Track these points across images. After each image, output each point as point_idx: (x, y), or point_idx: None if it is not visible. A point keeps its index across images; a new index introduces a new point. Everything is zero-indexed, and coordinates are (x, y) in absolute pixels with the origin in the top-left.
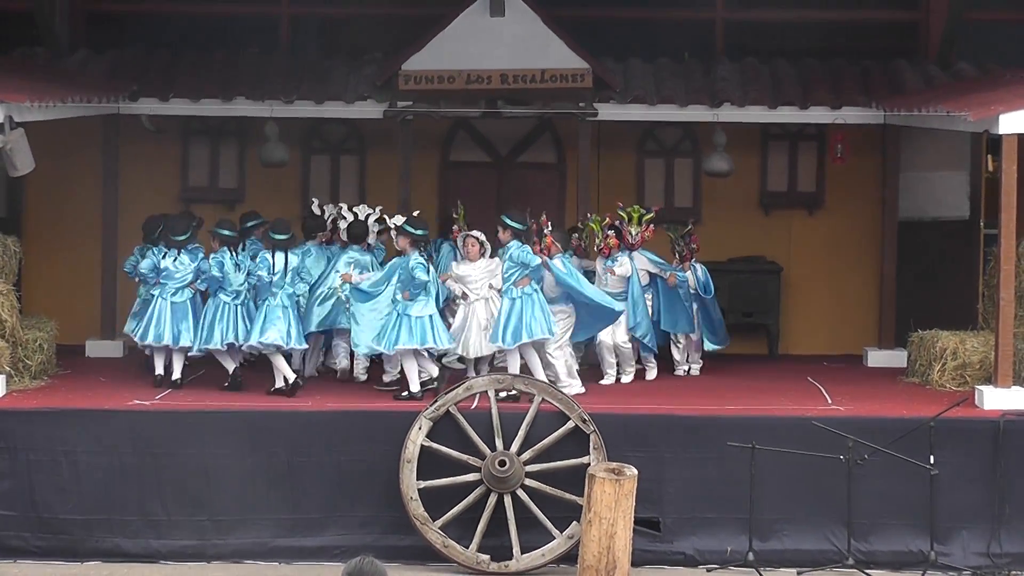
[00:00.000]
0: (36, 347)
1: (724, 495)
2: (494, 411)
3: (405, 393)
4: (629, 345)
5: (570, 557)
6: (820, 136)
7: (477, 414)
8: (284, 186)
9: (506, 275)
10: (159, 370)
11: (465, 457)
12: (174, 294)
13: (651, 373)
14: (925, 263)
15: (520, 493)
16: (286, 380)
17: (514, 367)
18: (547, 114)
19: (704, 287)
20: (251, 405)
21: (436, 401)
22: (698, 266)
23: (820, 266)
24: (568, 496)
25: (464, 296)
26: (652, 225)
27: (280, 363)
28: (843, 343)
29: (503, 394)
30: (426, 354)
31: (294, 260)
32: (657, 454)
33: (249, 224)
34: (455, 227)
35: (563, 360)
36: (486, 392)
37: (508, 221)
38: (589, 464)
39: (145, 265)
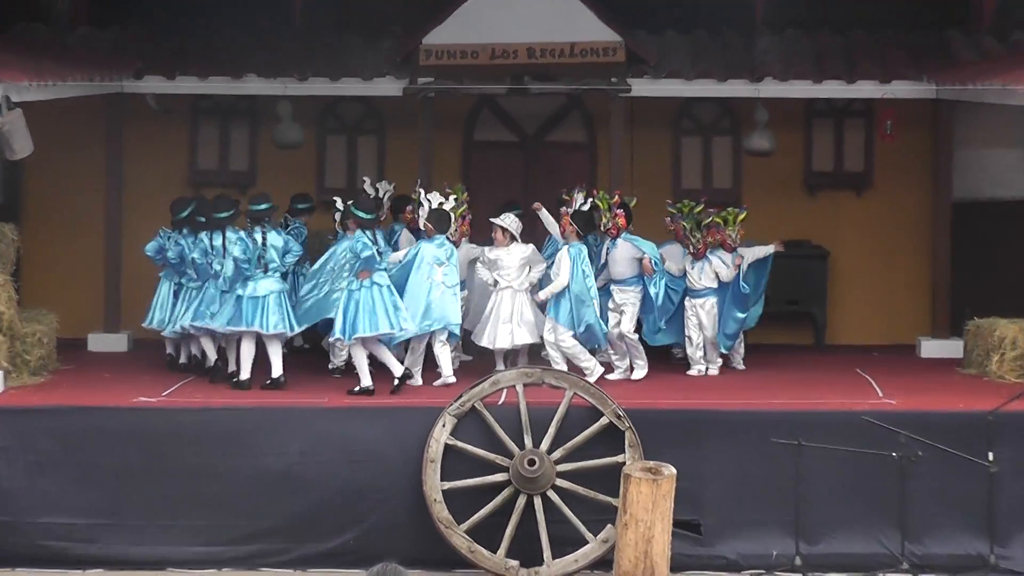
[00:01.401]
0: (35, 341)
1: (768, 495)
2: (522, 407)
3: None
4: (636, 336)
5: (605, 562)
6: (868, 112)
7: (504, 410)
8: (298, 169)
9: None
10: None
11: (492, 456)
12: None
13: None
14: (981, 246)
15: (551, 494)
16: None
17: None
18: (577, 90)
19: (736, 281)
20: (261, 401)
21: (461, 396)
22: (718, 257)
23: (869, 250)
24: (602, 497)
25: (494, 283)
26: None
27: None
28: (894, 332)
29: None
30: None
31: (277, 240)
32: (697, 452)
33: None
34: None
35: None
36: (514, 387)
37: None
38: (624, 463)
39: (198, 252)
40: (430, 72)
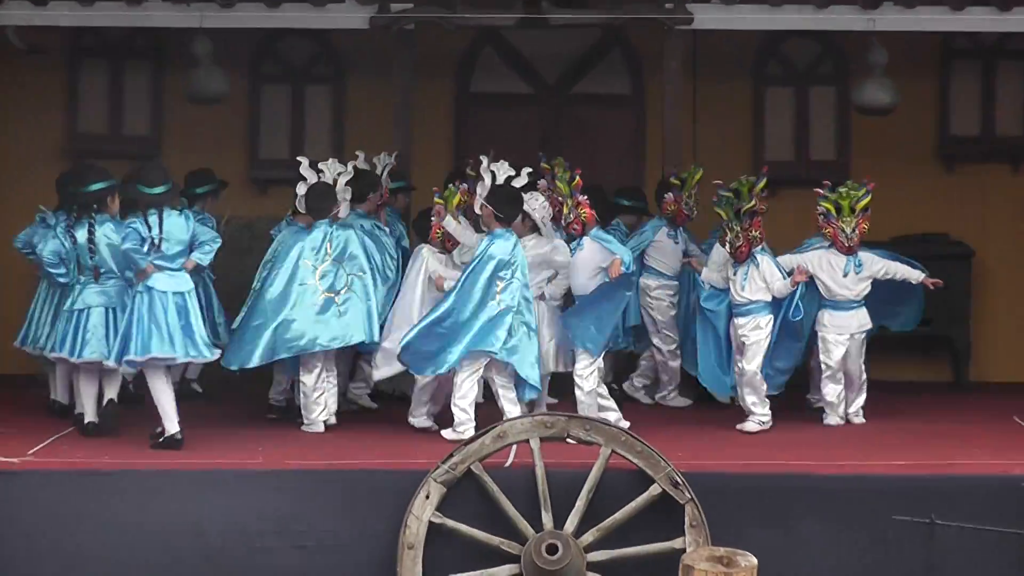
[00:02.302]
0: None
1: None
2: (539, 470)
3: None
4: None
5: None
6: None
7: (514, 474)
8: (221, 132)
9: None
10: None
11: (496, 540)
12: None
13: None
14: None
15: None
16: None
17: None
18: (617, 20)
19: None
20: (166, 463)
21: (452, 456)
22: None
23: None
24: None
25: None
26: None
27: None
28: None
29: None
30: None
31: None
32: (788, 533)
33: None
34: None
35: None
36: (527, 441)
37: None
38: (684, 550)
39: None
40: None
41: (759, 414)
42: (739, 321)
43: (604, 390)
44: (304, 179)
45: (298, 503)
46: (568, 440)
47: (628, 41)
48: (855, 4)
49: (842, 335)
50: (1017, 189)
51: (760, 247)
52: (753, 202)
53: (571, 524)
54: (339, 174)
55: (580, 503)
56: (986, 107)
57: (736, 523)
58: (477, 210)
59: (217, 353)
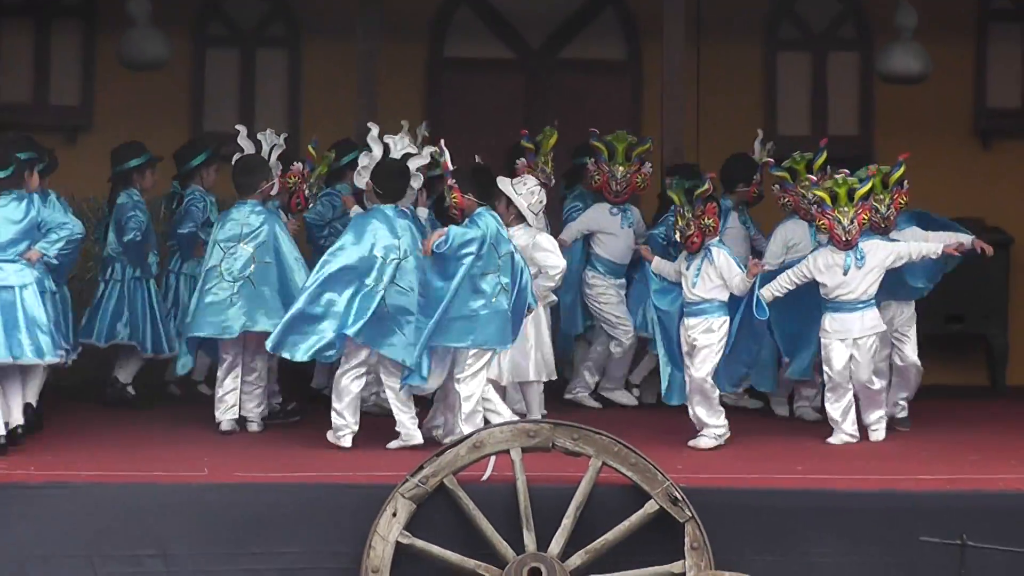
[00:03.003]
0: None
1: None
2: (521, 485)
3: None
4: None
5: None
6: None
7: (492, 490)
8: (161, 101)
9: None
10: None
11: (472, 563)
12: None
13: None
14: None
15: None
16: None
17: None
18: None
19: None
20: (107, 475)
21: (422, 468)
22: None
23: None
24: None
25: None
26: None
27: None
28: None
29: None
30: None
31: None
32: (800, 556)
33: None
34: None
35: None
36: (507, 452)
37: None
38: (684, 574)
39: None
40: None
41: (713, 426)
42: (689, 322)
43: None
44: (242, 150)
45: (249, 522)
46: (554, 450)
47: (623, 0)
48: None
49: (844, 340)
50: None
51: (716, 239)
52: (706, 185)
53: (556, 545)
54: (274, 146)
55: (567, 522)
56: None
57: (742, 545)
58: (360, 185)
59: (60, 356)
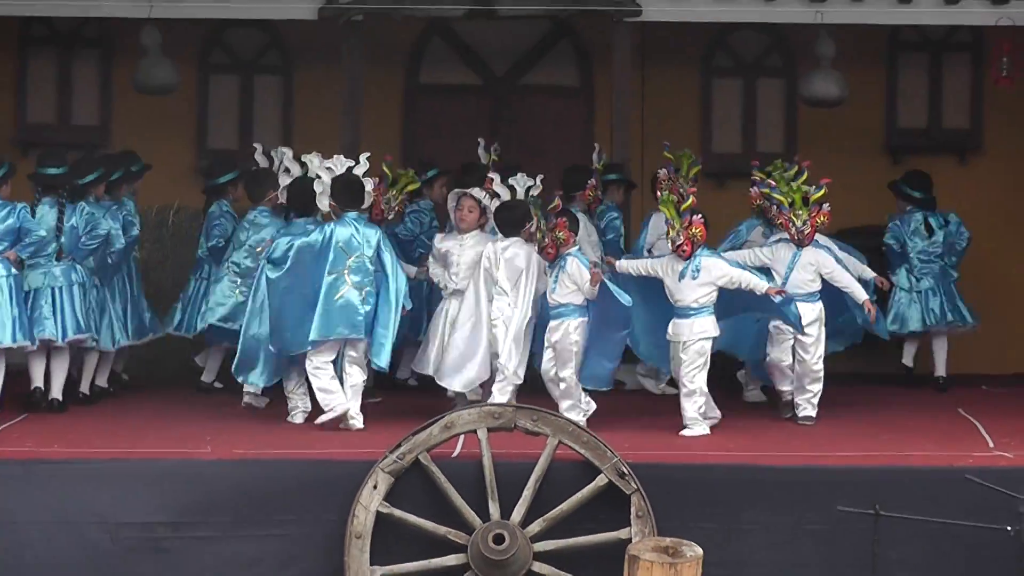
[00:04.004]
0: None
1: None
2: (486, 460)
3: None
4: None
5: None
6: (975, 45)
7: (461, 465)
8: (170, 122)
9: None
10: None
11: (443, 530)
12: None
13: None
14: None
15: None
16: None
17: None
18: (565, 12)
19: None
20: (116, 451)
21: (400, 445)
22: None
23: (977, 239)
24: None
25: (445, 287)
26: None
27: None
28: (1014, 358)
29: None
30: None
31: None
32: (733, 524)
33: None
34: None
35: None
36: (474, 432)
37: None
38: (630, 540)
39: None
40: None
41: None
42: (552, 324)
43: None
44: (288, 171)
45: (246, 492)
46: (516, 430)
47: (577, 33)
48: None
49: (675, 341)
50: (964, 182)
51: (576, 247)
52: (555, 201)
53: (518, 514)
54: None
55: (527, 493)
56: (933, 100)
57: (682, 514)
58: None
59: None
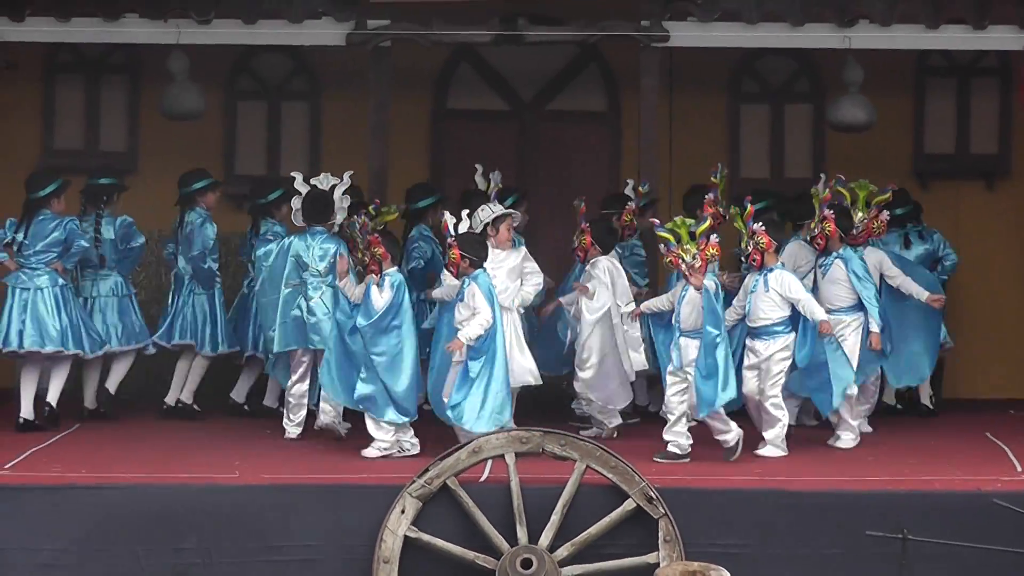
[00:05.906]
0: None
1: None
2: (514, 485)
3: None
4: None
5: None
6: (1003, 70)
7: (489, 490)
8: (197, 147)
9: None
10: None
11: (472, 555)
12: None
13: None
14: None
15: None
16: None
17: None
18: (593, 38)
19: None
20: (143, 478)
21: (427, 471)
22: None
23: (1005, 264)
24: None
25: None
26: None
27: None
28: None
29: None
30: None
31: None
32: (761, 548)
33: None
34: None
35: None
36: (502, 457)
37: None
38: (658, 564)
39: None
40: (385, 13)
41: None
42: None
43: None
44: (299, 193)
45: (274, 517)
46: (544, 455)
47: (604, 58)
48: (830, 22)
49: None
50: (991, 207)
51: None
52: (581, 206)
53: (546, 539)
54: (333, 186)
55: (555, 518)
56: (961, 125)
57: (709, 538)
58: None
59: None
